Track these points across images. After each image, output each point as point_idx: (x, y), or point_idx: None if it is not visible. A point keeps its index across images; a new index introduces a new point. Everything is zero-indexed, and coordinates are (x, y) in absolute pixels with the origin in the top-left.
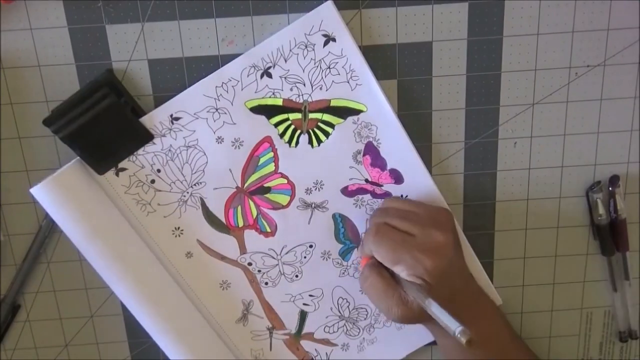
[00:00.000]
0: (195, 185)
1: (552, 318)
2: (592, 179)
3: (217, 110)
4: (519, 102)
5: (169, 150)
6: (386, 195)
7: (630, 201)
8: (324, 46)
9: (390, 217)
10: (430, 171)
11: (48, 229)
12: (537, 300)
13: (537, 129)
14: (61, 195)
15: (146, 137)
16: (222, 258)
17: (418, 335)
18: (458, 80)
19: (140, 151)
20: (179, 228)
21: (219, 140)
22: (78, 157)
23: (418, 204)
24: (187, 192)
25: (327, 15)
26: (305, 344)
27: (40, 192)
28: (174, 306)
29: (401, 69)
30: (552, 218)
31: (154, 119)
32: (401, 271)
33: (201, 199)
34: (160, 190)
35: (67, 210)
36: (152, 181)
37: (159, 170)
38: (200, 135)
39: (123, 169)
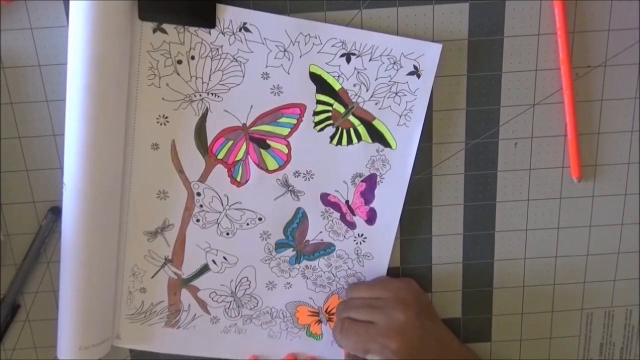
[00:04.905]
0: (212, 94)
1: (552, 319)
2: (593, 179)
3: (285, 51)
4: (519, 103)
5: (217, 49)
6: (352, 225)
7: (631, 201)
8: (407, 75)
9: (353, 309)
10: (430, 171)
11: (48, 229)
12: (537, 301)
13: (538, 130)
14: (93, 10)
15: (209, 21)
16: (180, 171)
17: (279, 352)
18: (458, 80)
19: (191, 29)
20: (166, 117)
21: (264, 75)
22: None
23: (381, 285)
24: (200, 95)
25: (430, 55)
26: (184, 294)
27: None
28: (104, 173)
29: None
30: (552, 218)
31: (227, 14)
32: (372, 357)
33: (207, 109)
34: (178, 75)
35: (88, 17)
36: (179, 62)
37: (192, 57)
38: (253, 58)
39: (164, 31)
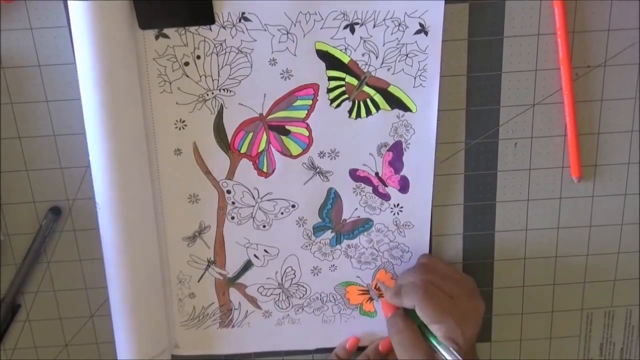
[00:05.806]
0: (223, 90)
1: (552, 319)
2: (593, 179)
3: (287, 34)
4: (519, 103)
5: (221, 44)
6: (386, 197)
7: (630, 201)
8: (414, 34)
9: (436, 276)
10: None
11: (48, 229)
12: (537, 301)
13: (538, 130)
14: (95, 21)
15: (208, 18)
16: (207, 172)
17: (336, 336)
18: (459, 80)
19: (192, 28)
20: (183, 121)
21: (272, 62)
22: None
23: (453, 269)
24: (212, 93)
25: (434, 9)
26: (233, 293)
27: (77, 8)
28: (134, 187)
29: None
30: (552, 218)
31: (225, 7)
32: (437, 330)
33: (222, 105)
34: (187, 77)
35: (92, 39)
36: (186, 64)
37: (198, 57)
38: (258, 47)
39: (166, 36)
